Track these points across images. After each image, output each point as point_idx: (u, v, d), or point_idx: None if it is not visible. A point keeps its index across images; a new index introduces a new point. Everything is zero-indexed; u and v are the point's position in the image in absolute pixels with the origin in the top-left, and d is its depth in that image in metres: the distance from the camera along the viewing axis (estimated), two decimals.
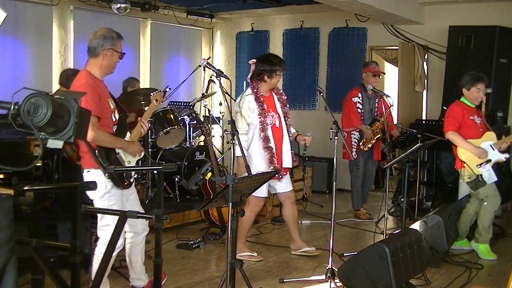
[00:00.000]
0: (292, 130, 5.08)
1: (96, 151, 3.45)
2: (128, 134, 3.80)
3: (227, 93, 4.45)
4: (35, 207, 3.74)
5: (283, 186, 5.02)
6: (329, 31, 8.98)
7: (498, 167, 5.94)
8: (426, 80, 8.35)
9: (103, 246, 3.53)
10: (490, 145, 5.15)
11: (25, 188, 2.91)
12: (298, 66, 9.27)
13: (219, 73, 4.45)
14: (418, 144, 4.87)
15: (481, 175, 5.07)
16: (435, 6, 8.06)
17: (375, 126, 6.51)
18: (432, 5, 8.07)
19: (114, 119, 3.68)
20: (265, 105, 4.84)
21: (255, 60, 4.91)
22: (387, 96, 6.10)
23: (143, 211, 3.59)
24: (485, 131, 5.24)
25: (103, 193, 3.51)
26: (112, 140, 3.57)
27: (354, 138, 6.59)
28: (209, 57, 9.52)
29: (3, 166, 2.11)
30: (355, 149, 6.57)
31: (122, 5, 7.12)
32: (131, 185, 3.67)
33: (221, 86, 4.42)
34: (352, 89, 6.72)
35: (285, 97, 5.12)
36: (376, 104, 6.67)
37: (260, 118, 4.78)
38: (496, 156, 5.15)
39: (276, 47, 9.48)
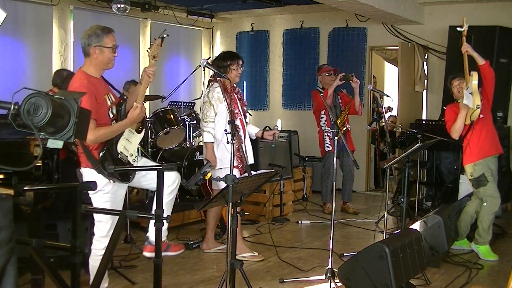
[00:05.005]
0: (256, 129, 5.24)
1: (100, 154, 3.45)
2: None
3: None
4: (35, 207, 3.74)
5: None
6: (329, 31, 8.98)
7: (498, 167, 5.93)
8: (426, 80, 8.35)
9: (97, 242, 3.57)
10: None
11: (25, 188, 2.91)
12: (298, 66, 9.27)
13: (219, 74, 4.45)
14: (418, 144, 4.87)
15: (483, 174, 5.07)
16: (435, 6, 8.06)
17: (342, 116, 6.79)
18: (432, 5, 8.07)
19: (111, 115, 3.60)
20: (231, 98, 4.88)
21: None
22: (387, 96, 6.10)
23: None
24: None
25: (97, 189, 3.47)
26: (111, 130, 3.51)
27: (327, 133, 6.82)
28: (209, 57, 9.49)
29: (3, 166, 2.11)
30: (329, 143, 6.80)
31: (122, 5, 7.12)
32: (133, 179, 3.66)
33: (221, 87, 4.43)
34: (312, 93, 7.03)
35: (244, 99, 5.29)
36: (339, 100, 6.93)
37: (229, 108, 4.67)
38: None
39: (276, 47, 9.48)
